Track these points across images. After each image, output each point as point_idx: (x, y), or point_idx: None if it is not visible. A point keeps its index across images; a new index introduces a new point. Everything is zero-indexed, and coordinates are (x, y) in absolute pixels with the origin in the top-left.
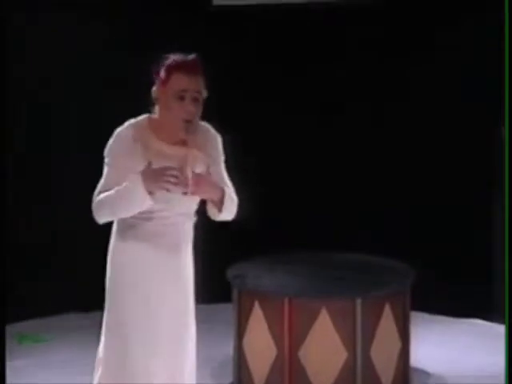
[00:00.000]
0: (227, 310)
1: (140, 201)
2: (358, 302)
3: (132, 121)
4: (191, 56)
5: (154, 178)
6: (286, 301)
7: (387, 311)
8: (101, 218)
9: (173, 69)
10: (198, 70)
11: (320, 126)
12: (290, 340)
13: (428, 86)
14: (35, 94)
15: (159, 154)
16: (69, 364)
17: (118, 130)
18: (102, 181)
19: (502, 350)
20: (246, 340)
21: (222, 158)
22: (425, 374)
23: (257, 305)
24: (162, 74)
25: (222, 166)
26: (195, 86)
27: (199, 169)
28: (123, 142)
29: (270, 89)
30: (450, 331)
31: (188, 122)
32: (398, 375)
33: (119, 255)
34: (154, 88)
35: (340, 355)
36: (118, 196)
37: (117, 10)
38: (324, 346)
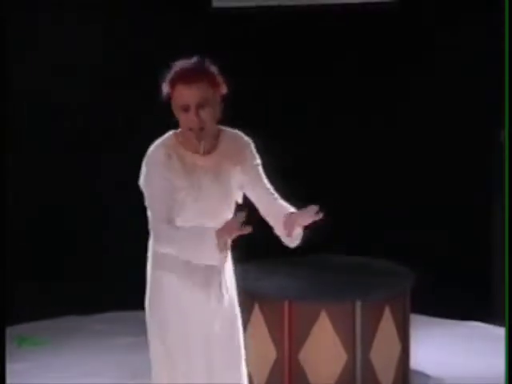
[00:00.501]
0: None
1: (209, 259)
2: (358, 304)
3: (158, 141)
4: (191, 62)
5: (226, 231)
6: (286, 303)
7: (387, 314)
8: (164, 250)
9: (173, 81)
10: (199, 77)
11: (320, 127)
12: (290, 343)
13: (428, 87)
14: (35, 94)
15: (194, 166)
16: (68, 367)
17: (148, 153)
18: (151, 209)
19: (502, 352)
20: (245, 343)
21: (258, 161)
22: (424, 377)
23: (257, 307)
24: (166, 88)
25: (260, 169)
26: (197, 95)
27: (227, 176)
28: (158, 162)
29: (269, 90)
30: (450, 334)
31: (196, 130)
32: (397, 378)
33: (158, 268)
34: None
35: (340, 358)
36: (186, 244)
37: (117, 10)
38: (324, 348)
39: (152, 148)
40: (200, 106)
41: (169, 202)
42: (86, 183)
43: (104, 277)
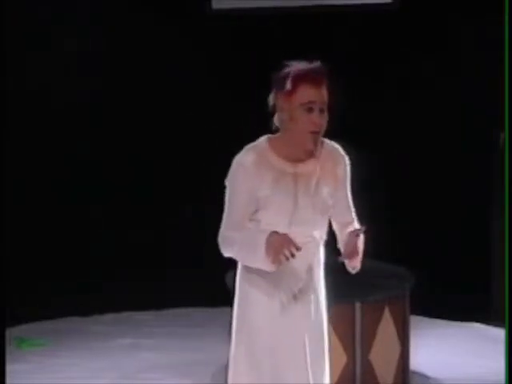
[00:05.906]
0: (226, 314)
1: (261, 265)
2: (358, 305)
3: (251, 145)
4: (316, 64)
5: (275, 248)
6: None
7: (386, 315)
8: (227, 255)
9: (299, 79)
10: (324, 81)
11: None
12: None
13: (428, 87)
14: (35, 95)
15: (283, 174)
16: (68, 368)
17: (238, 157)
18: (226, 211)
19: (501, 353)
20: None
21: (349, 181)
22: (424, 378)
23: None
24: (288, 84)
25: (349, 190)
26: (322, 98)
27: (325, 188)
28: (244, 170)
29: (268, 92)
30: (450, 335)
31: (315, 133)
32: (397, 379)
33: (246, 281)
34: (272, 96)
35: (340, 359)
36: (242, 248)
37: (117, 11)
38: None
39: (243, 151)
40: (322, 109)
41: (245, 211)
42: (86, 183)
43: (104, 278)
